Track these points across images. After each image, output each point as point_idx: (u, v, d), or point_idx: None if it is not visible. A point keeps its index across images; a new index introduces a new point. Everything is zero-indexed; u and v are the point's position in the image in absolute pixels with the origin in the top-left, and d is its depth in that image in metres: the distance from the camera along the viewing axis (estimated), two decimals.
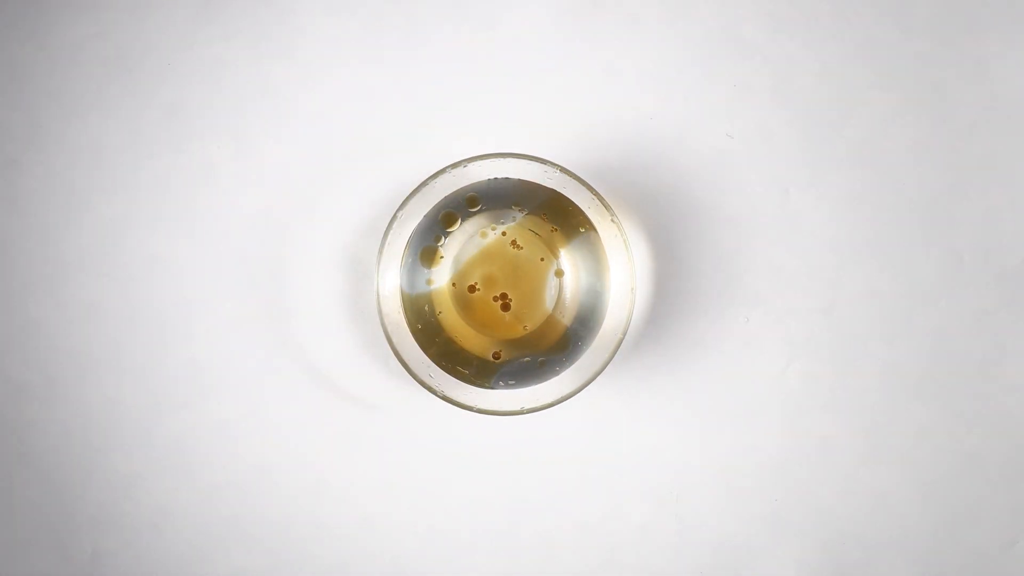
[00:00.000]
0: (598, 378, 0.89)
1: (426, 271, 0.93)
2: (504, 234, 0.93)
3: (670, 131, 0.96)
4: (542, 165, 0.88)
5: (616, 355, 0.89)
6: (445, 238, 0.92)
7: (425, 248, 0.92)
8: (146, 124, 0.97)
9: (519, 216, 0.92)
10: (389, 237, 0.89)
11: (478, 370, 0.92)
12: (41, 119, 0.96)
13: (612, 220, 0.89)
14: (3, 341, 0.96)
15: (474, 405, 0.89)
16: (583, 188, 0.89)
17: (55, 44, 0.97)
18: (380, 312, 0.89)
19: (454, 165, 0.88)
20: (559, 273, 0.92)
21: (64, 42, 0.97)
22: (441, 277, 0.93)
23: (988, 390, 0.95)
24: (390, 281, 0.92)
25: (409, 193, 0.89)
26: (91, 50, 0.97)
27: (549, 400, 0.89)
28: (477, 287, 0.93)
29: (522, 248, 0.92)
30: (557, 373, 0.91)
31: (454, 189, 0.91)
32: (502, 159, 0.89)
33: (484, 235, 0.93)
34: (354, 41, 0.98)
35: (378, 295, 0.90)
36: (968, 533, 0.94)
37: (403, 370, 0.91)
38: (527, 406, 0.89)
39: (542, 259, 0.92)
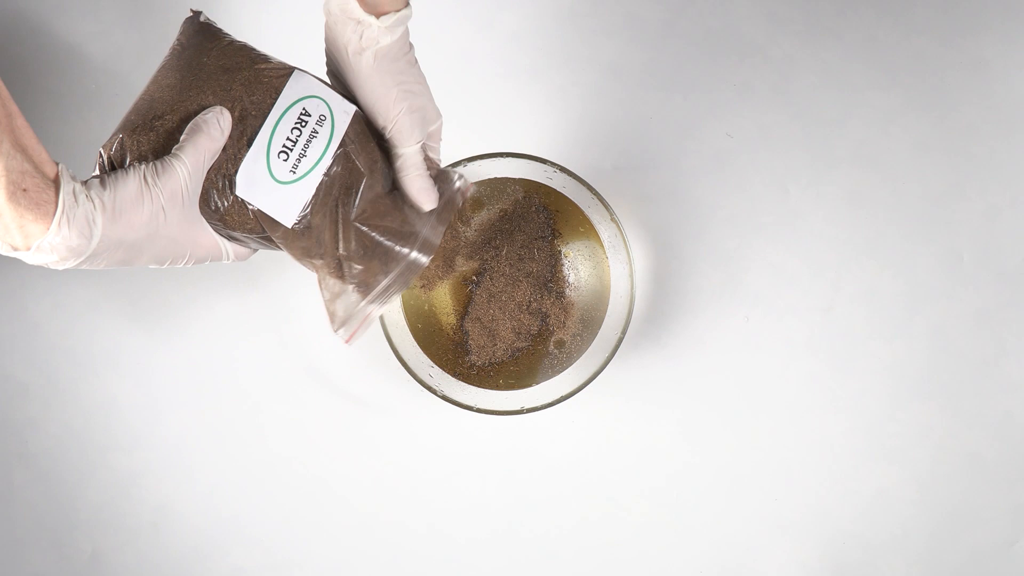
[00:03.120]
0: (598, 378, 0.89)
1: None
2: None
3: (670, 131, 0.96)
4: (542, 165, 0.88)
5: (616, 355, 0.89)
6: None
7: None
8: None
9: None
10: None
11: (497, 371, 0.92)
12: (39, 119, 0.96)
13: (612, 220, 0.89)
14: (3, 341, 0.96)
15: (474, 405, 0.89)
16: (583, 188, 0.89)
17: (56, 44, 0.97)
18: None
19: (455, 164, 0.88)
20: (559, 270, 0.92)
21: (65, 42, 0.97)
22: None
23: (988, 390, 0.95)
24: None
25: None
26: (91, 50, 0.97)
27: (549, 400, 0.89)
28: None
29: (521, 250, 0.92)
30: (558, 372, 0.91)
31: None
32: (502, 159, 0.89)
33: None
34: None
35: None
36: (968, 533, 0.94)
37: (403, 370, 0.91)
38: (527, 406, 0.89)
39: (541, 258, 0.92)
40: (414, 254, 0.71)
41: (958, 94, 0.96)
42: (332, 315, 0.71)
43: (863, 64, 0.96)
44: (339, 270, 0.70)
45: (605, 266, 0.92)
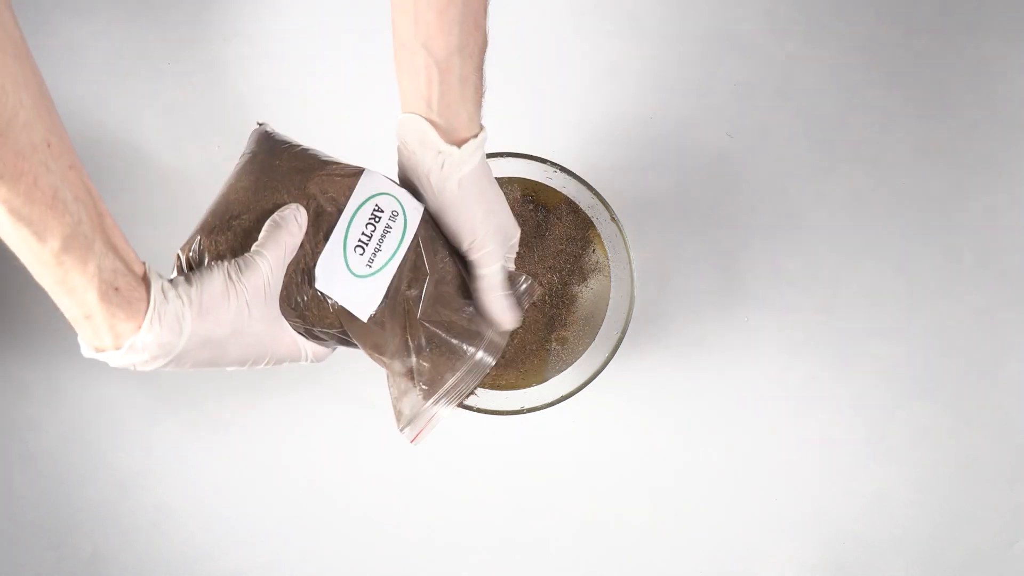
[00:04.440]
0: (598, 378, 0.89)
1: None
2: None
3: (670, 131, 0.96)
4: (542, 165, 0.88)
5: (616, 355, 0.89)
6: None
7: None
8: (146, 124, 0.97)
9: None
10: None
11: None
12: None
13: (612, 220, 0.89)
14: (3, 341, 0.96)
15: (474, 405, 0.89)
16: (583, 188, 0.89)
17: (56, 44, 0.97)
18: None
19: None
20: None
21: (64, 42, 0.97)
22: None
23: (988, 390, 0.95)
24: None
25: None
26: (91, 50, 0.97)
27: (549, 400, 0.89)
28: None
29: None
30: (559, 371, 0.91)
31: None
32: (502, 159, 0.89)
33: None
34: (355, 42, 0.98)
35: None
36: (968, 533, 0.94)
37: None
38: (527, 406, 0.89)
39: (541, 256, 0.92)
40: (480, 354, 0.71)
41: (958, 94, 0.96)
42: (399, 414, 0.71)
43: (863, 64, 0.96)
44: (408, 368, 0.71)
45: (605, 266, 0.92)
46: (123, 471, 0.95)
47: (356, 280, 0.67)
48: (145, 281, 0.60)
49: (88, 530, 0.95)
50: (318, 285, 0.67)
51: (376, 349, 0.70)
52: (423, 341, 0.70)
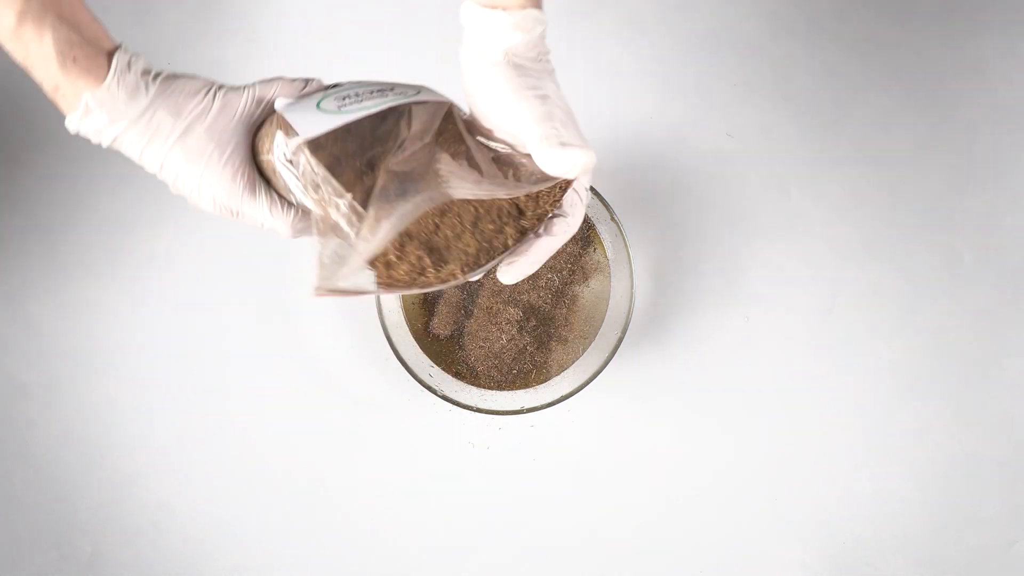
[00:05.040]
0: (598, 378, 0.89)
1: None
2: None
3: (670, 131, 0.96)
4: None
5: (616, 355, 0.89)
6: None
7: None
8: None
9: None
10: None
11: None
12: (41, 119, 0.96)
13: (612, 220, 0.89)
14: (3, 341, 0.96)
15: (474, 405, 0.89)
16: None
17: None
18: (380, 312, 0.89)
19: None
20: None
21: None
22: None
23: (988, 390, 0.95)
24: None
25: None
26: None
27: (549, 400, 0.89)
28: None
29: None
30: (559, 371, 0.91)
31: None
32: None
33: None
34: (354, 43, 0.98)
35: (378, 295, 0.89)
36: (968, 533, 0.94)
37: (403, 370, 0.91)
38: (527, 406, 0.88)
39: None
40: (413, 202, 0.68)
41: (958, 94, 0.96)
42: (321, 267, 0.64)
43: (863, 64, 0.96)
44: (341, 215, 0.67)
45: (605, 266, 0.92)
46: (123, 471, 0.95)
47: (316, 112, 0.67)
48: (111, 57, 0.61)
49: (88, 530, 0.95)
50: (276, 106, 0.66)
51: (310, 180, 0.66)
52: (378, 187, 0.66)
